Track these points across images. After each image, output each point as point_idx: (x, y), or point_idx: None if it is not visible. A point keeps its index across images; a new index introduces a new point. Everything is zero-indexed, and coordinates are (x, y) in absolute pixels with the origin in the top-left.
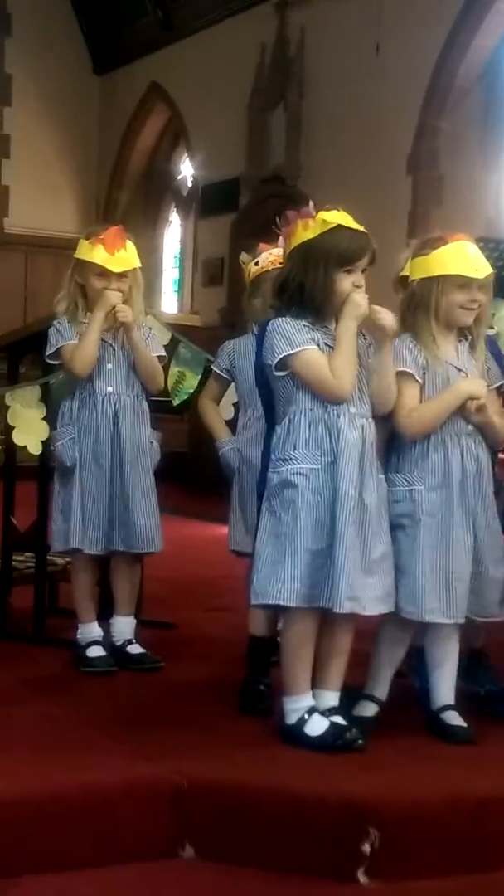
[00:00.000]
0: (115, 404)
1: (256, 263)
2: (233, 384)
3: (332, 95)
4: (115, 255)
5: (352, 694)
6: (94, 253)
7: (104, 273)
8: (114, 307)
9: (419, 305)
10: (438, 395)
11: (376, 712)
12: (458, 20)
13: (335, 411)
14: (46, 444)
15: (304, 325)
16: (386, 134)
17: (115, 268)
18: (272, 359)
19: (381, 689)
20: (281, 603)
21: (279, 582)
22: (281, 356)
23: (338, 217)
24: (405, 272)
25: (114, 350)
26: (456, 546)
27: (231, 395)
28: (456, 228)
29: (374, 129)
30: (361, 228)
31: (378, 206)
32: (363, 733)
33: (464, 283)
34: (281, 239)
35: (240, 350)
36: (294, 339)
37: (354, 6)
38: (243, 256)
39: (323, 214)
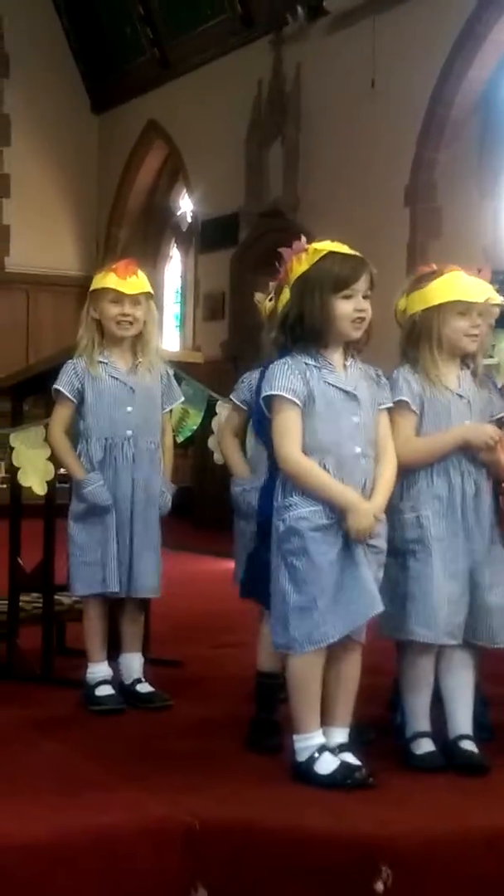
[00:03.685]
0: (133, 448)
1: (270, 300)
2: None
3: (328, 129)
4: (126, 280)
5: (361, 729)
6: (107, 279)
7: (117, 298)
8: None
9: (421, 336)
10: (437, 434)
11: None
12: (452, 52)
13: (335, 453)
14: (52, 483)
15: (304, 370)
16: (383, 166)
17: (128, 290)
18: (262, 399)
19: (424, 722)
20: (324, 644)
21: (317, 626)
22: (264, 395)
23: (329, 245)
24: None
25: (133, 393)
26: (460, 570)
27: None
28: (454, 259)
29: (372, 162)
30: (355, 253)
31: (377, 238)
32: (433, 768)
33: (464, 308)
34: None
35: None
36: (281, 384)
37: (349, 41)
38: (258, 296)
39: (314, 245)
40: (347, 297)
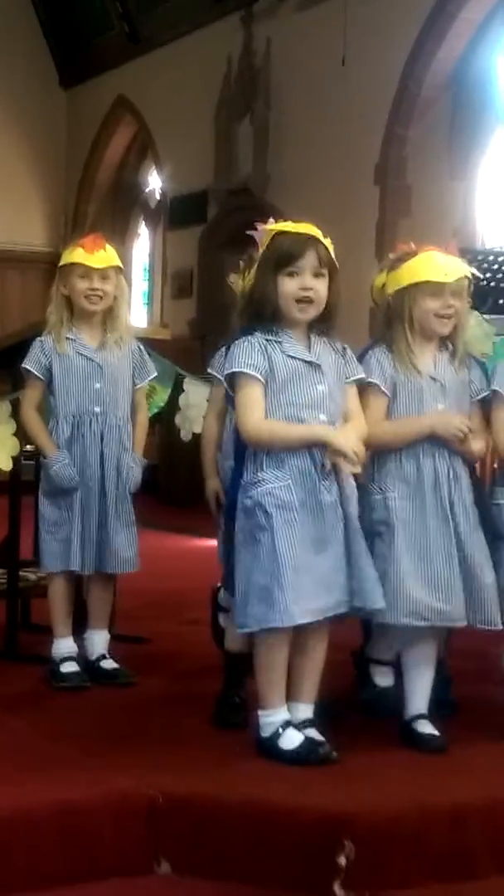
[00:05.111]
0: (101, 424)
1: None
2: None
3: (299, 106)
4: (94, 254)
5: (327, 705)
6: (74, 254)
7: (86, 273)
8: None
9: (394, 317)
10: (406, 419)
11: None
12: (423, 30)
13: (300, 421)
14: (17, 459)
15: (264, 345)
16: (353, 144)
17: (96, 263)
18: (224, 377)
19: (424, 704)
20: (284, 625)
21: (279, 608)
22: (225, 373)
23: (281, 225)
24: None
25: (101, 369)
26: (432, 552)
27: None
28: (424, 238)
29: (342, 140)
30: (311, 233)
31: (346, 216)
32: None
33: (435, 289)
34: None
35: None
36: (242, 360)
37: (320, 18)
38: (231, 277)
39: (269, 226)
40: (291, 275)
